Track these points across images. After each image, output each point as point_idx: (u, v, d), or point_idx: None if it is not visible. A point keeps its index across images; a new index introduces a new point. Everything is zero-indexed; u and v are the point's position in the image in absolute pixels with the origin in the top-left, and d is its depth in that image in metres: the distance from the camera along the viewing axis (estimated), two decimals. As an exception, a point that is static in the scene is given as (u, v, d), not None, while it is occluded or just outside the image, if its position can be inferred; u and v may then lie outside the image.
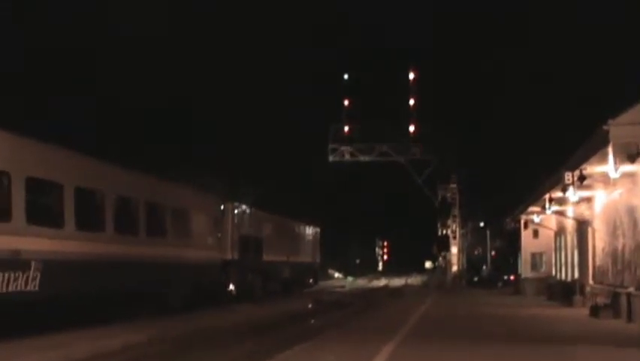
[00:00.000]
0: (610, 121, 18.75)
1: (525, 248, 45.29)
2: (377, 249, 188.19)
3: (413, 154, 60.72)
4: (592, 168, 22.65)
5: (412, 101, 61.65)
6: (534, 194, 34.79)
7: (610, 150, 19.33)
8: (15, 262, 17.52)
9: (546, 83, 62.36)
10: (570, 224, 35.56)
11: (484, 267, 76.26)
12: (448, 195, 64.60)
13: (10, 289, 17.25)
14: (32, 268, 18.10)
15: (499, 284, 59.66)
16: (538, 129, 58.35)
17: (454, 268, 66.01)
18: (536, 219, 39.16)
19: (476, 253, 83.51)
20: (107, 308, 22.00)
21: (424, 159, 60.94)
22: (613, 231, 26.61)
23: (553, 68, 63.07)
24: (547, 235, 42.56)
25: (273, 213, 43.96)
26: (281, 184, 66.37)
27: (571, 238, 35.90)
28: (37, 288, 18.20)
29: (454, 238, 66.20)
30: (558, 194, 27.12)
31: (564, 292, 33.42)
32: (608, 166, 20.39)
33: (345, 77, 65.29)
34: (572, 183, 23.47)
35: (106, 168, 23.57)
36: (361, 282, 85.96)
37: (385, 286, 70.48)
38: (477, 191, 68.28)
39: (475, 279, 70.65)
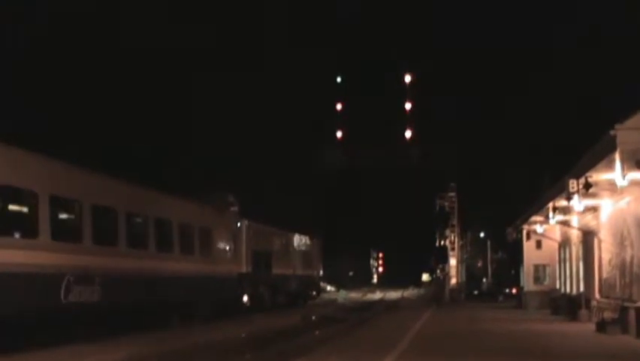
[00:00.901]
0: (617, 125, 18.71)
1: (527, 260, 45.25)
2: (371, 260, 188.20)
3: (410, 160, 60.81)
4: (598, 176, 22.60)
5: (408, 105, 61.75)
6: (537, 203, 34.77)
7: (617, 156, 19.29)
8: (85, 277, 21.87)
9: (552, 85, 62.59)
10: (575, 235, 35.53)
11: (485, 280, 76.26)
12: (446, 204, 64.62)
13: (81, 299, 21.68)
14: (96, 282, 22.46)
15: (501, 298, 59.62)
16: (542, 135, 58.54)
17: (453, 281, 65.99)
18: (539, 229, 39.13)
19: (476, 265, 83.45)
20: (147, 316, 26.13)
21: (421, 166, 61.05)
22: (620, 242, 26.57)
23: (555, 68, 63.36)
24: (550, 246, 42.53)
25: (280, 228, 48.64)
26: (268, 190, 66.93)
27: (576, 249, 35.88)
28: (99, 299, 22.52)
29: (453, 249, 66.23)
30: (562, 203, 27.12)
31: (569, 306, 33.39)
32: (615, 173, 20.34)
33: (339, 79, 65.40)
34: (577, 192, 23.43)
35: (149, 195, 28.33)
36: (355, 295, 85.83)
37: (381, 300, 70.39)
38: (477, 200, 68.35)
39: (475, 292, 70.65)
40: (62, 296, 20.88)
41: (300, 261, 53.27)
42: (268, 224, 45.24)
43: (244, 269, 38.94)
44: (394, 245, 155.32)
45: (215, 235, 34.17)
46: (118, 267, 24.08)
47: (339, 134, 73.81)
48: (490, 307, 47.54)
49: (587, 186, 22.78)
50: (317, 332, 29.28)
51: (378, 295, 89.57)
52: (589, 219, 31.62)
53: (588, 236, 32.03)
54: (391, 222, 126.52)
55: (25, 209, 20.04)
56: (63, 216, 21.99)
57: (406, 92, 67.49)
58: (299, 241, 53.65)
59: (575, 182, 23.33)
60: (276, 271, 45.69)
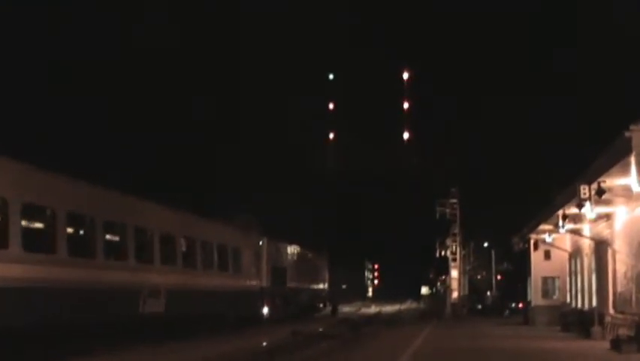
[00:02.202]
0: (632, 126, 18.66)
1: (535, 272, 45.22)
2: (366, 272, 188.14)
3: (408, 164, 60.83)
4: (612, 181, 22.56)
5: (406, 105, 61.77)
6: (545, 210, 34.74)
7: (633, 159, 19.23)
8: (154, 292, 28.34)
9: (557, 87, 62.85)
10: (587, 244, 35.50)
11: (489, 293, 76.25)
12: (447, 210, 64.58)
13: (153, 309, 27.94)
14: (162, 296, 28.69)
15: (506, 313, 59.60)
16: (551, 136, 58.66)
17: (455, 295, 65.95)
18: (548, 238, 39.11)
19: (479, 277, 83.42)
20: (193, 325, 31.79)
21: (420, 170, 61.08)
22: (636, 252, 26.54)
23: (561, 69, 63.66)
24: (560, 256, 42.51)
25: (292, 244, 55.29)
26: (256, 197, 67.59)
27: (588, 260, 35.84)
28: (163, 309, 28.65)
29: (454, 259, 66.19)
30: (573, 210, 27.06)
31: (581, 322, 33.34)
32: (631, 178, 20.24)
33: (331, 76, 65.42)
34: (589, 198, 23.40)
35: (198, 222, 35.33)
36: (348, 309, 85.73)
37: (377, 315, 70.28)
38: (480, 206, 68.35)
39: (479, 307, 70.62)
40: (140, 307, 27.12)
41: (310, 275, 60.90)
42: (282, 240, 52.17)
43: (264, 283, 45.22)
44: (391, 256, 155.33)
45: (243, 253, 40.62)
46: (177, 283, 30.56)
47: (330, 135, 73.84)
48: (494, 323, 47.49)
49: (600, 192, 22.75)
50: (308, 351, 29.19)
51: (373, 309, 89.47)
52: (602, 228, 31.58)
53: (601, 246, 31.98)
54: (387, 231, 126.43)
55: (141, 242, 28.25)
56: (142, 242, 28.60)
57: (403, 91, 67.50)
58: (309, 256, 60.94)
59: (586, 188, 23.29)
60: (290, 285, 52.64)
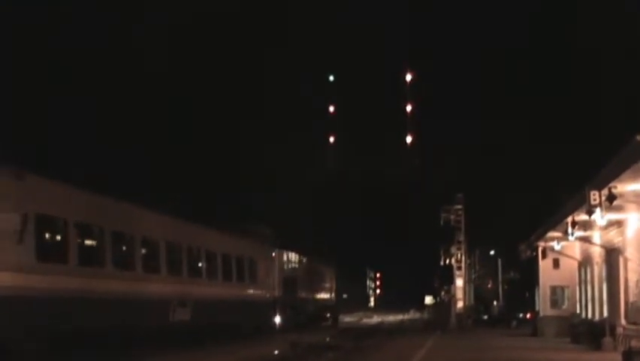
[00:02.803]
0: (645, 130, 18.61)
1: (544, 281, 45.14)
2: (368, 281, 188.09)
3: (411, 169, 60.77)
4: (623, 186, 22.52)
5: (409, 107, 61.74)
6: (554, 216, 34.67)
7: (645, 164, 19.20)
8: (182, 302, 31.72)
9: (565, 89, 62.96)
10: (597, 252, 35.45)
11: (495, 303, 76.20)
12: (452, 217, 64.48)
13: (180, 318, 31.32)
14: (188, 305, 32.03)
15: (514, 323, 59.51)
16: (560, 138, 58.59)
17: (460, 305, 65.80)
18: (557, 246, 39.02)
19: (486, 286, 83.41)
20: (214, 334, 34.65)
21: (423, 175, 61.02)
22: (649, 261, 26.48)
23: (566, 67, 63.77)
24: (569, 265, 42.45)
25: (303, 255, 58.75)
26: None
27: (598, 268, 35.77)
28: (189, 318, 31.99)
29: (459, 268, 66.03)
30: (583, 217, 26.97)
31: (591, 333, 33.26)
32: (643, 184, 20.24)
33: (331, 78, 65.41)
34: (600, 204, 23.33)
35: (219, 236, 38.28)
36: (349, 319, 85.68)
37: (379, 326, 70.24)
38: (486, 213, 68.28)
39: (485, 317, 70.55)
40: (170, 316, 30.50)
41: (319, 285, 65.40)
42: (292, 251, 55.73)
43: (277, 293, 48.22)
44: (393, 264, 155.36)
45: (259, 264, 43.84)
46: (201, 293, 33.96)
47: (331, 139, 73.80)
48: (501, 335, 47.43)
49: (611, 198, 22.69)
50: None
51: (375, 319, 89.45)
52: (613, 235, 31.51)
53: (612, 254, 31.91)
54: (390, 238, 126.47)
55: (172, 256, 31.83)
56: (173, 256, 32.13)
57: (406, 93, 67.48)
58: (318, 266, 65.03)
59: (596, 193, 23.22)
60: (300, 294, 56.38)
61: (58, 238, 24.29)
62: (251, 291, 42.31)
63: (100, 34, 61.89)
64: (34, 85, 55.29)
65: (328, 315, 68.84)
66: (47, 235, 23.88)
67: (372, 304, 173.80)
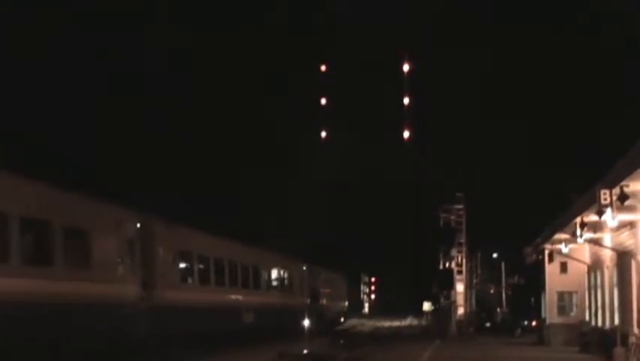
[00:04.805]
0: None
1: (550, 286, 45.23)
2: (362, 286, 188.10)
3: (408, 166, 60.74)
4: (636, 185, 22.52)
5: (406, 100, 61.68)
6: (562, 217, 34.70)
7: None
8: (249, 308, 43.16)
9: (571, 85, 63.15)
10: (608, 256, 35.46)
11: (499, 310, 76.29)
12: (452, 218, 64.53)
13: (248, 322, 42.34)
14: (251, 311, 43.37)
15: (518, 332, 59.57)
16: (568, 135, 58.69)
17: (460, 311, 65.86)
18: (564, 249, 39.09)
19: (488, 291, 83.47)
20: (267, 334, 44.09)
21: (422, 173, 61.03)
22: (663, 265, 26.49)
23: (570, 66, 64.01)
24: (578, 269, 42.52)
25: (323, 268, 69.75)
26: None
27: (609, 273, 35.81)
28: (253, 321, 43.03)
29: (460, 272, 66.09)
30: (592, 218, 27.05)
31: (601, 343, 33.33)
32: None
33: (323, 68, 65.36)
34: (610, 204, 23.34)
35: (271, 255, 51.62)
36: (341, 327, 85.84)
37: (373, 333, 70.27)
38: (488, 213, 68.32)
39: (487, 324, 70.59)
40: (242, 320, 41.55)
41: (335, 294, 77.41)
42: (316, 265, 65.61)
43: (306, 302, 59.73)
44: (389, 268, 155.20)
45: (294, 277, 56.28)
46: (261, 302, 45.65)
47: (323, 134, 73.65)
48: (505, 343, 47.50)
49: (623, 197, 22.69)
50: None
51: (370, 326, 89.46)
52: (625, 238, 31.52)
53: (624, 258, 31.92)
54: (386, 241, 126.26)
55: (245, 273, 44.07)
56: (245, 273, 43.96)
57: (403, 85, 67.36)
58: (334, 277, 77.14)
59: (607, 192, 23.25)
60: (321, 302, 67.35)
61: (188, 265, 35.75)
62: (289, 300, 53.73)
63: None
64: (34, 85, 57.75)
65: (342, 319, 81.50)
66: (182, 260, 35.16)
67: (366, 310, 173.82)
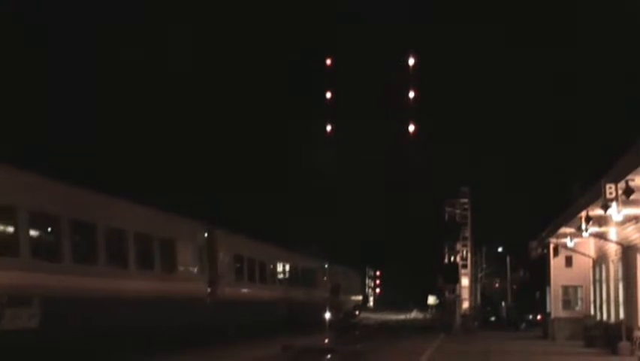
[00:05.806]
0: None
1: (555, 280, 45.13)
2: (367, 280, 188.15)
3: (413, 160, 60.66)
4: (642, 179, 22.45)
5: (411, 94, 61.58)
6: (567, 211, 34.65)
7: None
8: (282, 302, 50.52)
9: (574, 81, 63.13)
10: (613, 250, 35.42)
11: (503, 304, 76.22)
12: (457, 212, 64.47)
13: (281, 313, 49.78)
14: (285, 305, 50.60)
15: (523, 326, 59.60)
16: (573, 128, 58.60)
17: (465, 305, 65.85)
18: (570, 243, 39.04)
19: (493, 285, 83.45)
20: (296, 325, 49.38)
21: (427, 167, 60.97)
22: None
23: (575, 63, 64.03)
24: (583, 263, 42.48)
25: (341, 266, 76.33)
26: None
27: (614, 267, 35.77)
28: (287, 313, 50.48)
29: (465, 266, 66.07)
30: (598, 212, 26.99)
31: (606, 337, 33.31)
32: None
33: (328, 62, 65.27)
34: (616, 198, 23.29)
35: (300, 254, 58.50)
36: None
37: (380, 326, 70.42)
38: (494, 207, 68.26)
39: (492, 318, 70.58)
40: (276, 313, 48.48)
41: (352, 288, 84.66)
42: (335, 263, 71.95)
43: (327, 296, 65.92)
44: (394, 262, 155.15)
45: (318, 274, 64.52)
46: (292, 296, 52.42)
47: (328, 127, 73.76)
48: (510, 338, 47.48)
49: (628, 191, 22.66)
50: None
51: (375, 320, 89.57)
52: (630, 232, 31.49)
53: (629, 252, 31.89)
54: (391, 235, 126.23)
55: (283, 271, 53.53)
56: (284, 272, 53.11)
57: (409, 78, 67.38)
58: (351, 274, 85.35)
59: (613, 186, 23.20)
60: (340, 297, 72.75)
61: (239, 265, 42.97)
62: (314, 295, 60.69)
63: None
64: (34, 85, 59.52)
65: (357, 312, 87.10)
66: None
67: (371, 304, 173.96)
